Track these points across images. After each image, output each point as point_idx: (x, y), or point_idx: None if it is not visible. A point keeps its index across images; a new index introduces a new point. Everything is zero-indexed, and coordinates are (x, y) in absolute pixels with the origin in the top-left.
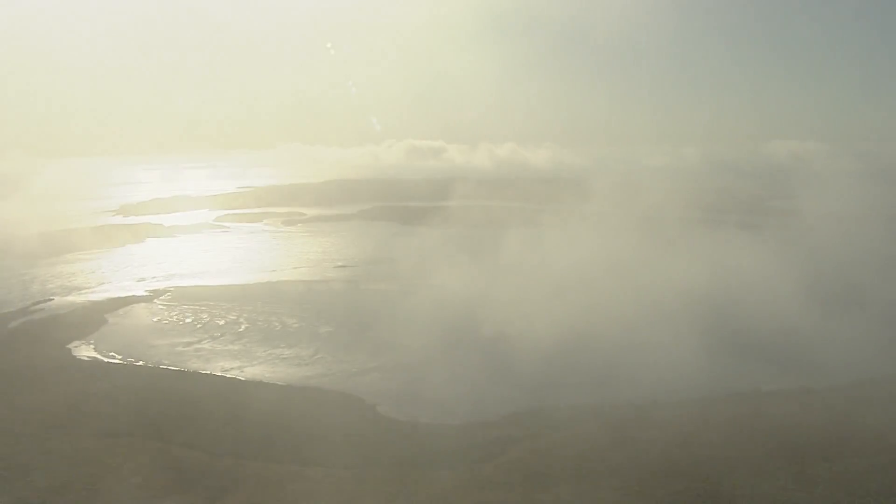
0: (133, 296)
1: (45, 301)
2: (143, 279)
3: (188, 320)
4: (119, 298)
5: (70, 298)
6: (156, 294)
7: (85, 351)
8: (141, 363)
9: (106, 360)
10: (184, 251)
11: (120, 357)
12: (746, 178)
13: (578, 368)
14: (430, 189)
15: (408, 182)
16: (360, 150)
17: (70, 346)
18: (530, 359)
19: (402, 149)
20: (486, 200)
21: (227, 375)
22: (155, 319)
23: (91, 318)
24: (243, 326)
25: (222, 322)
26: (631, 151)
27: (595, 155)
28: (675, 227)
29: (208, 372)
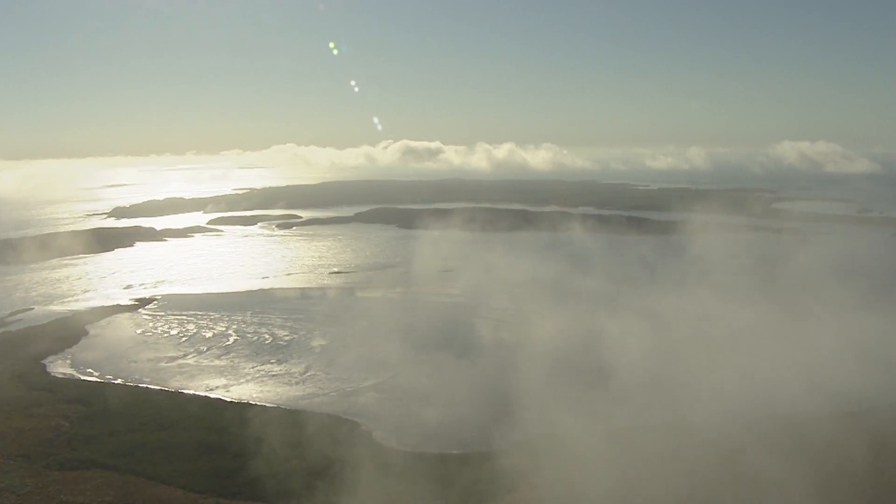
0: (117, 305)
1: (25, 310)
2: (129, 286)
3: (173, 332)
4: (102, 308)
5: (51, 307)
6: (142, 303)
7: (61, 367)
8: (119, 381)
9: (82, 377)
10: (174, 256)
11: (97, 374)
12: None
13: (590, 388)
14: (428, 191)
15: (405, 184)
16: (356, 150)
17: (45, 361)
18: (539, 378)
19: (398, 150)
20: (488, 202)
21: (212, 396)
22: (139, 331)
23: (71, 330)
24: (232, 339)
25: (209, 334)
26: (633, 152)
27: (597, 156)
28: None
29: (191, 392)
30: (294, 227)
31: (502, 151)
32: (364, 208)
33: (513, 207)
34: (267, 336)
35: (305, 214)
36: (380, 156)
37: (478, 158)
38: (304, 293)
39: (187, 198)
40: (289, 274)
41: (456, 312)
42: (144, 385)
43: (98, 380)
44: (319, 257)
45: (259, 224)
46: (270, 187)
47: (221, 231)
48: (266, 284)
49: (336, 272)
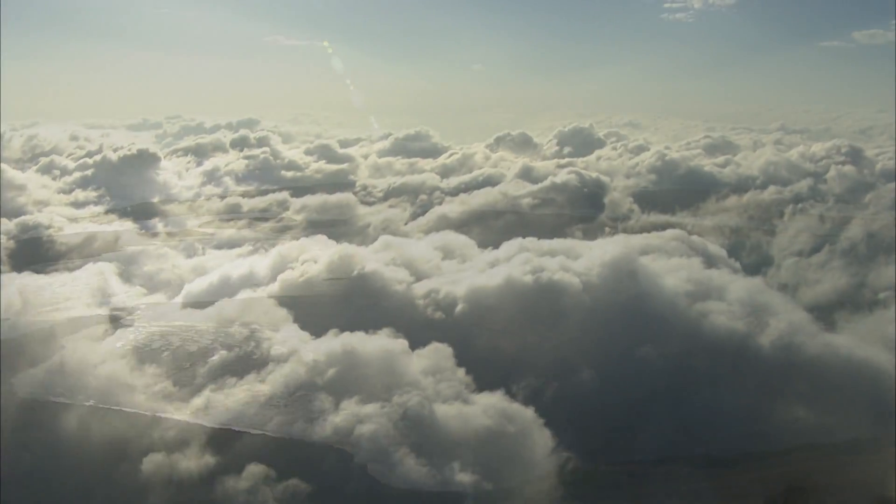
0: (98, 315)
1: None
2: (114, 294)
3: (155, 345)
4: (83, 318)
5: (27, 319)
6: (124, 313)
7: (28, 388)
8: (90, 403)
9: (51, 399)
10: (165, 260)
11: (66, 397)
12: None
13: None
14: (426, 192)
15: (403, 185)
16: (351, 150)
17: (13, 380)
18: (553, 401)
19: (395, 149)
20: (487, 204)
21: (190, 421)
22: (118, 345)
23: (44, 344)
24: (218, 353)
25: (194, 348)
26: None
27: (597, 156)
28: None
29: (168, 416)
30: (289, 230)
31: (501, 151)
32: (361, 210)
33: (512, 209)
34: (255, 350)
35: (301, 217)
36: (376, 156)
37: (476, 160)
38: (297, 301)
39: (181, 199)
40: (283, 280)
41: (458, 319)
42: (116, 408)
43: (67, 402)
44: (315, 261)
45: (254, 227)
46: (266, 188)
47: (214, 234)
48: (257, 292)
49: (332, 278)
